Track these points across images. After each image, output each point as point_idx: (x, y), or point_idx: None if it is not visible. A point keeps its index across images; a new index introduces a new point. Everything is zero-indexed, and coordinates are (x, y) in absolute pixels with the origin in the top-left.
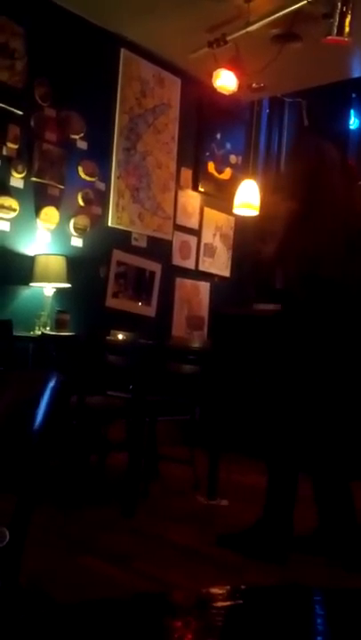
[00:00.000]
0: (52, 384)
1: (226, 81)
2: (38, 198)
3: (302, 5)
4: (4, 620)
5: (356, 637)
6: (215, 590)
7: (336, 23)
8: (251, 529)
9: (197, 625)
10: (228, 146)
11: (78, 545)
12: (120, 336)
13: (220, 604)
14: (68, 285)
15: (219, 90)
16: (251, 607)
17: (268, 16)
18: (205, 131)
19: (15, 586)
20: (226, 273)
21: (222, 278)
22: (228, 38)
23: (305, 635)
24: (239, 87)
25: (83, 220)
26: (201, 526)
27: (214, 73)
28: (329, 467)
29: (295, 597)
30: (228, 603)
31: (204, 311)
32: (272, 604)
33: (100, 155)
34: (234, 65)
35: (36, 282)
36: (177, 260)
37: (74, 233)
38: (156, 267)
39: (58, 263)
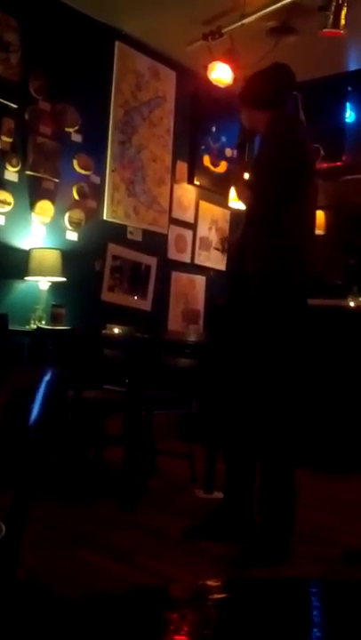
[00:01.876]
0: (48, 378)
1: (221, 74)
2: (33, 192)
3: None
4: (2, 613)
5: (352, 628)
6: (212, 583)
7: (332, 16)
8: (214, 513)
9: (195, 617)
10: (224, 139)
11: (77, 539)
12: (116, 330)
13: (217, 596)
14: (64, 279)
15: (214, 83)
16: (248, 599)
17: (264, 9)
18: (201, 124)
19: (13, 579)
20: (221, 266)
21: (218, 272)
22: (224, 31)
23: (301, 626)
24: (235, 80)
25: (78, 214)
26: (199, 520)
27: (209, 66)
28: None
29: (292, 589)
30: (225, 595)
31: (200, 305)
32: (269, 596)
33: (95, 148)
34: (229, 58)
35: (32, 276)
36: (172, 254)
37: (69, 227)
38: (151, 260)
39: (53, 257)
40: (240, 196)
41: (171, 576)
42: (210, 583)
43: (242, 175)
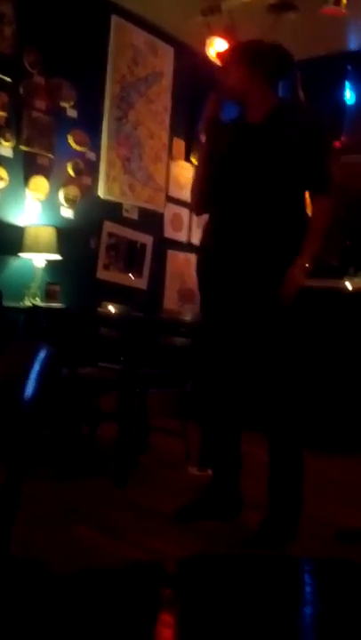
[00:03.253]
0: (42, 355)
1: (219, 50)
2: (27, 168)
3: None
4: None
5: (344, 606)
6: (206, 559)
7: None
8: (205, 492)
9: (189, 592)
10: (222, 116)
11: (70, 515)
12: (111, 308)
13: (210, 572)
14: (59, 257)
15: (212, 59)
16: (241, 576)
17: None
18: (198, 100)
19: (7, 554)
20: None
21: None
22: (223, 7)
23: (294, 602)
24: None
25: (73, 191)
26: (192, 497)
27: (208, 42)
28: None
29: (285, 567)
30: (219, 571)
31: (196, 284)
32: (262, 573)
33: (90, 124)
34: (228, 34)
35: (26, 252)
36: (169, 233)
37: (64, 203)
38: (147, 239)
39: (48, 234)
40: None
41: (163, 552)
42: (203, 559)
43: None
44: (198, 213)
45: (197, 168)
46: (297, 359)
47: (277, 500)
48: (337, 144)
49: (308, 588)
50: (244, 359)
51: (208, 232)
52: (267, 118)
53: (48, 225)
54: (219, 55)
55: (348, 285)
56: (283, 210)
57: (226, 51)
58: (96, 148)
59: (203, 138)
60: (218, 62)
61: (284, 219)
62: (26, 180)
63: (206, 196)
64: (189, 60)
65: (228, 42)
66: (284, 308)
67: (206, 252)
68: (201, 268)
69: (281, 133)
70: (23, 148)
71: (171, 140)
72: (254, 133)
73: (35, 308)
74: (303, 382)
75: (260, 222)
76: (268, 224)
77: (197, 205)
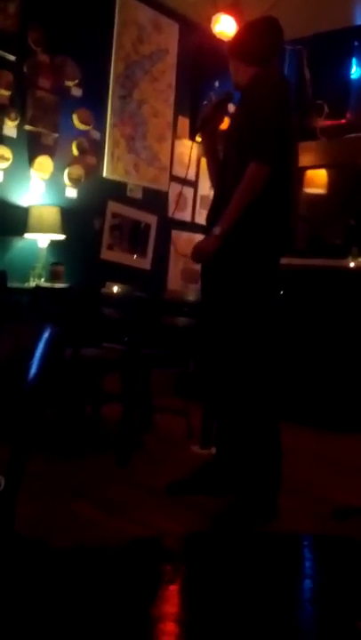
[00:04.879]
0: (46, 336)
1: (225, 26)
2: (32, 147)
3: None
4: (2, 564)
5: (342, 580)
6: (205, 536)
7: None
8: (201, 469)
9: (189, 569)
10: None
11: (74, 493)
12: (115, 288)
13: (210, 548)
14: (63, 237)
15: (218, 36)
16: (240, 552)
17: None
18: (204, 78)
19: (11, 532)
20: None
21: None
22: None
23: (293, 577)
24: None
25: (77, 170)
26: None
27: (213, 18)
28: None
29: (283, 543)
30: (218, 547)
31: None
32: (260, 548)
33: (95, 102)
34: (234, 10)
35: (31, 233)
36: (173, 212)
37: (68, 183)
38: (151, 219)
39: (52, 214)
40: (209, 150)
41: (164, 529)
42: (203, 536)
43: (217, 127)
44: None
45: (206, 165)
46: (259, 338)
47: (246, 477)
48: (342, 121)
49: (306, 564)
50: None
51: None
52: (243, 91)
53: (52, 205)
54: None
55: (351, 264)
56: (237, 180)
57: (225, 47)
58: (101, 127)
59: (199, 138)
60: (223, 39)
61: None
62: (30, 160)
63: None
64: (194, 37)
65: (234, 18)
66: (247, 288)
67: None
68: None
69: (243, 105)
70: (27, 127)
71: (175, 119)
72: (236, 108)
73: (39, 288)
74: (269, 360)
75: (221, 193)
76: (226, 194)
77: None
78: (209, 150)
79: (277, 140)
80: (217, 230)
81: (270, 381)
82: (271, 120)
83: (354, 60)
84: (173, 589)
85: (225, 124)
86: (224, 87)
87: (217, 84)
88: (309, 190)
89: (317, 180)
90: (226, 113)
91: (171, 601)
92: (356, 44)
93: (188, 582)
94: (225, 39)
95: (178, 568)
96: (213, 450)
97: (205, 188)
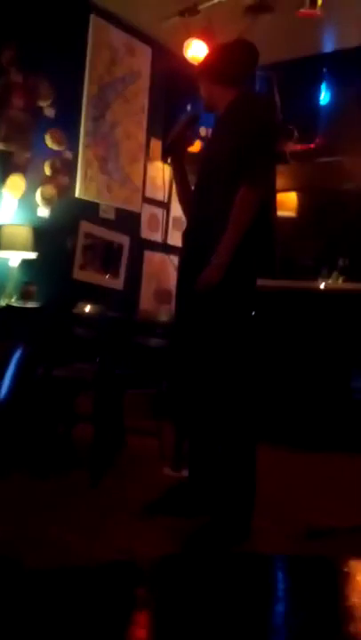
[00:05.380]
0: (17, 355)
1: (197, 51)
2: (4, 166)
3: None
4: None
5: (314, 602)
6: (178, 558)
7: None
8: (172, 491)
9: (162, 591)
10: (193, 136)
11: (45, 514)
12: (87, 308)
13: (183, 570)
14: (35, 255)
15: (190, 60)
16: (213, 574)
17: None
18: (176, 101)
19: None
20: None
21: None
22: (200, 7)
23: (267, 598)
24: None
25: (50, 190)
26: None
27: (185, 43)
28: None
29: (256, 564)
30: (190, 570)
31: (172, 285)
32: (235, 570)
33: (68, 123)
34: (205, 35)
35: (2, 251)
36: (145, 234)
37: (41, 202)
38: (124, 239)
39: (24, 233)
40: (178, 171)
41: (136, 551)
42: (175, 558)
43: (186, 148)
44: None
45: (175, 186)
46: (236, 359)
47: (223, 499)
48: (311, 145)
49: (280, 585)
50: (202, 358)
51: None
52: (222, 117)
53: (24, 224)
54: (195, 71)
55: (322, 285)
56: (225, 204)
57: (196, 68)
58: (73, 147)
59: (168, 159)
60: (195, 63)
61: (224, 216)
62: (2, 179)
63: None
64: (167, 61)
65: (206, 43)
66: (224, 309)
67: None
68: (178, 268)
69: (227, 126)
70: (0, 146)
71: (148, 141)
72: (214, 130)
73: (10, 307)
74: (247, 381)
75: (205, 216)
76: (211, 218)
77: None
78: (179, 172)
79: (269, 163)
80: (219, 260)
81: (249, 401)
82: (263, 143)
83: (323, 86)
84: (146, 613)
85: (195, 146)
86: (196, 110)
87: (189, 107)
88: (280, 213)
89: (288, 203)
90: (195, 133)
91: (143, 624)
92: (324, 70)
93: (161, 605)
94: (197, 64)
95: (151, 591)
96: (185, 472)
97: (177, 210)
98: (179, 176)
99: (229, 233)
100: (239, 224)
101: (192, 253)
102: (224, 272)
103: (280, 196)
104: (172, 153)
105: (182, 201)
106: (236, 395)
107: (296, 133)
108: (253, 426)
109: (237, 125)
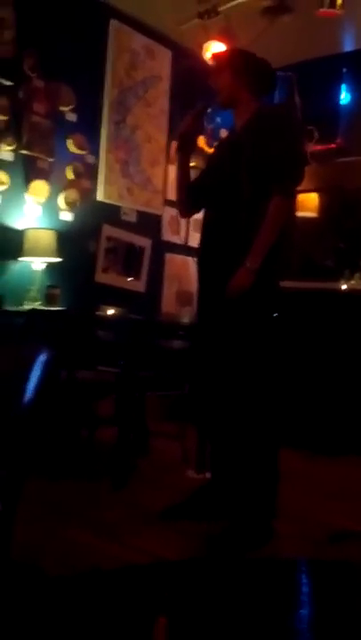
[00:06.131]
0: (42, 358)
1: (215, 51)
2: (27, 171)
3: None
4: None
5: (340, 607)
6: (202, 562)
7: None
8: (196, 494)
9: (186, 595)
10: (219, 120)
11: (69, 518)
12: (109, 311)
13: (207, 575)
14: (58, 260)
15: (209, 62)
16: (236, 578)
17: None
18: (196, 103)
19: (8, 557)
20: None
21: None
22: (220, 9)
23: (290, 603)
24: None
25: (72, 194)
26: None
27: (205, 45)
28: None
29: (279, 569)
30: (214, 574)
31: (194, 287)
32: (256, 575)
33: (89, 128)
34: (225, 37)
35: (26, 256)
36: (167, 236)
37: (63, 207)
38: (145, 242)
39: (48, 237)
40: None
41: (160, 555)
42: (198, 561)
43: (196, 138)
44: (182, 217)
45: (175, 179)
46: (260, 361)
47: (245, 503)
48: (332, 145)
49: (303, 589)
50: (226, 361)
51: (200, 237)
52: (245, 126)
53: (48, 228)
54: (213, 56)
55: (343, 287)
56: (251, 214)
57: (219, 54)
58: (95, 151)
59: (176, 150)
60: (211, 63)
61: (252, 223)
62: (26, 184)
63: (185, 203)
64: (187, 63)
65: (225, 44)
66: (248, 312)
67: (198, 256)
68: (198, 271)
69: (251, 140)
70: (23, 151)
71: (168, 143)
72: (231, 143)
73: (34, 311)
74: (273, 383)
75: (230, 225)
76: (237, 227)
77: (179, 211)
78: (186, 163)
79: (299, 175)
80: (251, 265)
81: (272, 404)
82: (297, 156)
83: (343, 86)
84: (168, 617)
85: (200, 141)
86: (217, 114)
87: (209, 109)
88: (301, 214)
89: (309, 203)
90: (203, 125)
91: (166, 629)
92: (344, 70)
93: (184, 609)
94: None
95: (173, 595)
96: (208, 474)
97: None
98: (185, 169)
99: (262, 238)
100: (272, 231)
101: (215, 259)
102: (255, 276)
103: (301, 197)
104: (185, 143)
105: (181, 193)
106: (259, 397)
107: (316, 134)
108: (276, 429)
109: (265, 139)
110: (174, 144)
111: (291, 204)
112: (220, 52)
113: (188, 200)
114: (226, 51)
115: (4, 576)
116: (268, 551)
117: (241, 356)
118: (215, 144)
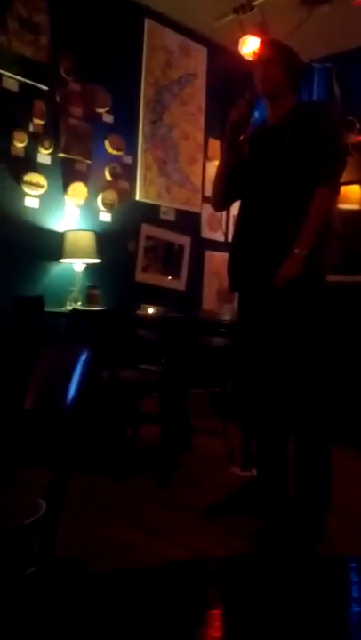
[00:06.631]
0: (84, 358)
1: (253, 48)
2: (66, 174)
3: None
4: (43, 588)
5: None
6: (248, 558)
7: None
8: (241, 491)
9: (231, 592)
10: (257, 114)
11: (113, 515)
12: (150, 310)
13: (253, 572)
14: (98, 260)
15: (246, 57)
16: (284, 575)
17: None
18: (233, 100)
19: (52, 555)
20: None
21: None
22: (254, 4)
23: (341, 600)
24: None
25: (111, 195)
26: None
27: (241, 40)
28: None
29: (329, 565)
30: (261, 571)
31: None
32: (308, 571)
33: (126, 128)
34: (260, 31)
35: (66, 258)
36: (206, 233)
37: (102, 208)
38: (185, 240)
39: (87, 239)
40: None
41: (205, 551)
42: (245, 559)
43: (245, 127)
44: (217, 210)
45: (217, 168)
46: (315, 356)
47: (303, 499)
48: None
49: (355, 587)
50: (275, 356)
51: (235, 232)
52: (281, 121)
53: (87, 230)
54: (265, 44)
55: None
56: (294, 207)
57: (268, 43)
58: (132, 151)
59: (226, 136)
60: (257, 53)
61: (295, 215)
62: (65, 187)
63: (224, 194)
64: (222, 60)
65: (261, 39)
66: (299, 304)
67: (232, 251)
68: (230, 266)
69: (290, 136)
70: (61, 154)
71: (206, 141)
72: (269, 136)
73: (75, 311)
74: (326, 379)
75: (272, 219)
76: (280, 221)
77: (215, 203)
78: (235, 151)
79: (343, 168)
80: (300, 253)
81: (324, 400)
82: (341, 151)
83: None
84: (216, 614)
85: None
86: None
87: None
88: (344, 206)
89: (351, 195)
90: (253, 113)
91: (213, 625)
92: None
93: (232, 606)
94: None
95: (221, 591)
96: (254, 471)
97: (237, 208)
98: (236, 154)
99: (310, 226)
100: (319, 220)
101: (257, 250)
102: (303, 265)
103: (343, 189)
104: (236, 130)
105: (224, 177)
106: (312, 393)
107: (357, 125)
108: (328, 425)
109: (308, 133)
110: (212, 142)
111: (336, 196)
112: (273, 43)
113: (227, 191)
114: (278, 43)
115: (49, 572)
116: (321, 548)
117: (291, 350)
118: (242, 137)
